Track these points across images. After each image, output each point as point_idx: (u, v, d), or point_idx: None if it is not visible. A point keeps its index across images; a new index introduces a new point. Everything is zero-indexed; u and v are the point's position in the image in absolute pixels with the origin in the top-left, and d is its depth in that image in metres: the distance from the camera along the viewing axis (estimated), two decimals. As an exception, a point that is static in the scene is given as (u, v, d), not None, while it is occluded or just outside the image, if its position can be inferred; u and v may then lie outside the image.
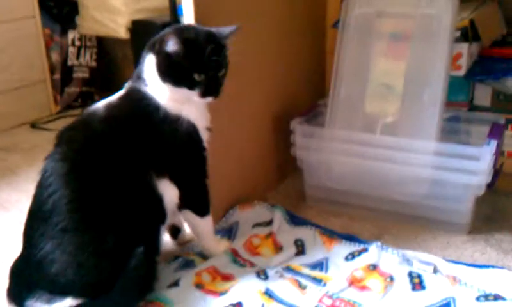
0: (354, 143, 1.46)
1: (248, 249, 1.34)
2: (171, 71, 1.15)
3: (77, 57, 2.55)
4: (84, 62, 2.57)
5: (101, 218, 1.10)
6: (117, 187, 1.12)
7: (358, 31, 1.52)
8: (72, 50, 2.53)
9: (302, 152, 1.53)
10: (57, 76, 2.52)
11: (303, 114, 1.58)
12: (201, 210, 1.28)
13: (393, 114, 1.49)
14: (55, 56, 2.50)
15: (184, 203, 1.24)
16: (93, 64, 2.60)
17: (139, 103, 1.17)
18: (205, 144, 1.25)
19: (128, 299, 1.14)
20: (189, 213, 1.27)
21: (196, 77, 1.14)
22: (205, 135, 1.24)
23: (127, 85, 1.22)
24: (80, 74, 2.58)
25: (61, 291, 1.10)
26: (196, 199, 1.27)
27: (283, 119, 1.58)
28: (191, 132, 1.20)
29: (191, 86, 1.15)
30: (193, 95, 1.16)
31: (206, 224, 1.30)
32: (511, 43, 1.65)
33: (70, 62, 2.54)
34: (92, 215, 1.10)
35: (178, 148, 1.20)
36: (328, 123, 1.53)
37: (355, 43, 1.52)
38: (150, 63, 1.18)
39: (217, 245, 1.33)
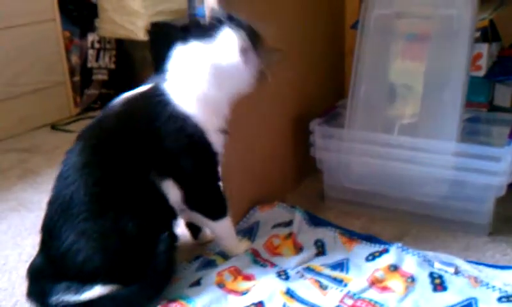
0: (374, 144, 1.46)
1: (268, 250, 1.35)
2: None
3: (97, 60, 2.58)
4: (103, 65, 2.60)
5: (119, 207, 1.12)
6: (127, 181, 1.14)
7: (377, 31, 1.52)
8: (91, 53, 2.56)
9: (321, 153, 1.54)
10: (76, 78, 2.55)
11: (322, 115, 1.58)
12: (212, 213, 1.28)
13: (412, 115, 1.50)
14: (75, 59, 2.54)
15: (192, 206, 1.24)
16: (112, 66, 2.63)
17: (153, 99, 1.18)
18: (217, 148, 1.23)
19: (158, 283, 1.16)
20: (199, 216, 1.28)
21: None
22: (218, 138, 1.22)
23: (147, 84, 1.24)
24: (100, 76, 2.61)
25: (90, 280, 1.12)
26: (204, 203, 1.27)
27: (303, 120, 1.59)
28: (197, 134, 1.18)
29: None
30: None
31: (221, 226, 1.29)
32: None
33: (89, 65, 2.57)
34: (110, 204, 1.12)
35: (181, 150, 1.18)
36: (347, 124, 1.53)
37: (374, 44, 1.52)
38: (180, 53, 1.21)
39: (237, 245, 1.34)
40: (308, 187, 1.69)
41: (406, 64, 1.52)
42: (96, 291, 1.12)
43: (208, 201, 1.27)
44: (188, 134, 1.18)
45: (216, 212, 1.28)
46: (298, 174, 1.72)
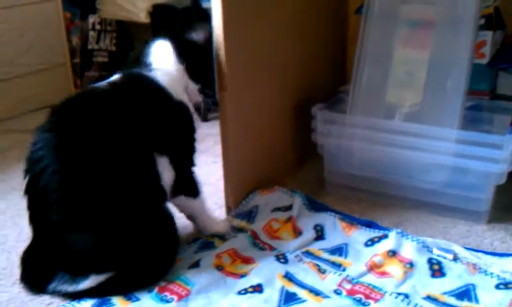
0: (376, 130, 1.46)
1: (267, 233, 1.35)
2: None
3: (97, 42, 2.56)
4: (104, 47, 2.58)
5: (102, 193, 1.10)
6: (121, 161, 1.12)
7: (381, 17, 1.51)
8: (92, 34, 2.54)
9: (323, 138, 1.53)
10: (77, 60, 2.54)
11: (324, 100, 1.57)
12: (193, 191, 1.32)
13: (415, 102, 1.49)
14: (75, 40, 2.52)
15: (177, 189, 1.27)
16: (113, 48, 2.61)
17: (146, 86, 1.22)
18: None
19: (164, 263, 1.19)
20: (182, 199, 1.30)
21: None
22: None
23: (125, 71, 1.26)
24: (100, 58, 2.59)
25: (83, 270, 1.12)
26: (188, 182, 1.31)
27: (304, 105, 1.58)
28: (191, 119, 1.28)
29: None
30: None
31: (200, 203, 1.34)
32: None
33: (90, 47, 2.55)
34: (92, 190, 1.09)
35: (179, 130, 1.27)
36: (349, 110, 1.53)
37: (378, 29, 1.51)
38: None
39: (216, 222, 1.37)
40: (308, 172, 1.69)
41: (409, 51, 1.51)
42: (92, 281, 1.12)
43: (190, 180, 1.31)
44: (185, 116, 1.27)
45: (196, 189, 1.32)
46: (299, 159, 1.71)
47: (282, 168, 1.64)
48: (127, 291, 1.14)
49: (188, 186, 1.31)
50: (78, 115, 1.13)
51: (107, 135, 1.12)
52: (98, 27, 2.55)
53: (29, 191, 1.11)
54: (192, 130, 1.29)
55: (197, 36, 1.34)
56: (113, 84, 1.22)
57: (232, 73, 1.33)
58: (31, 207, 1.12)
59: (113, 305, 1.11)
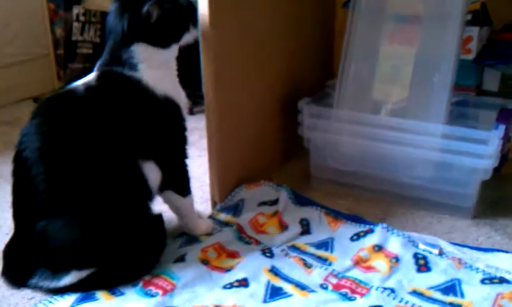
0: (362, 124, 1.45)
1: (253, 227, 1.34)
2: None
3: (82, 33, 2.53)
4: (88, 38, 2.55)
5: (87, 187, 1.10)
6: (106, 164, 1.12)
7: (369, 11, 1.51)
8: (76, 26, 2.50)
9: (309, 132, 1.53)
10: (60, 51, 2.50)
11: (310, 95, 1.57)
12: (183, 189, 1.29)
13: (401, 97, 1.49)
14: (59, 31, 2.48)
15: (166, 184, 1.25)
16: (97, 40, 2.57)
17: (126, 86, 1.16)
18: (187, 124, 1.26)
19: (151, 258, 1.19)
20: (170, 194, 1.27)
21: None
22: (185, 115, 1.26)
23: (101, 69, 1.19)
24: (84, 50, 2.55)
25: (63, 266, 1.11)
26: (178, 180, 1.28)
27: (291, 99, 1.58)
28: (177, 111, 1.23)
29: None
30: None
31: (188, 203, 1.31)
32: None
33: (74, 38, 2.51)
34: (86, 187, 1.10)
35: (165, 129, 1.22)
36: (336, 104, 1.52)
37: (365, 24, 1.51)
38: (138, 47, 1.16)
39: (200, 224, 1.33)
40: (294, 167, 1.69)
41: (396, 46, 1.51)
42: (73, 276, 1.11)
43: (181, 177, 1.28)
44: (170, 112, 1.22)
45: (187, 187, 1.29)
46: (285, 154, 1.71)
47: (268, 162, 1.63)
48: (111, 286, 1.13)
49: (178, 183, 1.28)
50: (62, 116, 1.12)
51: (90, 139, 1.11)
52: (82, 18, 2.51)
53: (15, 185, 1.13)
54: (180, 128, 1.25)
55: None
56: (92, 85, 1.16)
57: (218, 67, 1.31)
58: (15, 200, 1.13)
59: (97, 300, 1.10)
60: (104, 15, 2.50)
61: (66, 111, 1.13)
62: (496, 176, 1.41)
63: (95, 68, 1.20)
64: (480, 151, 1.31)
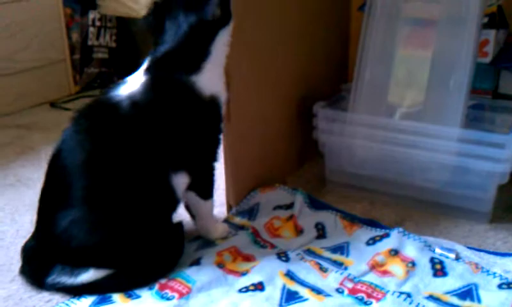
0: (377, 128, 1.45)
1: (268, 231, 1.34)
2: None
3: (97, 38, 2.55)
4: (103, 43, 2.57)
5: (116, 195, 1.11)
6: (136, 174, 1.12)
7: (384, 15, 1.50)
8: (92, 30, 2.53)
9: (324, 136, 1.53)
10: (76, 56, 2.53)
11: (326, 98, 1.57)
12: (207, 193, 1.28)
13: (417, 101, 1.48)
14: (75, 36, 2.51)
15: (191, 187, 1.24)
16: (113, 44, 2.60)
17: (179, 94, 1.15)
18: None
19: (169, 263, 1.19)
20: (192, 196, 1.26)
21: None
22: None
23: (154, 73, 1.16)
24: (100, 55, 2.58)
25: (84, 263, 1.12)
26: (203, 183, 1.27)
27: (306, 102, 1.58)
28: (219, 111, 1.21)
29: None
30: None
31: (208, 206, 1.30)
32: None
33: (90, 43, 2.54)
34: (112, 193, 1.11)
35: (206, 134, 1.21)
36: (351, 108, 1.52)
37: (381, 27, 1.51)
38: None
39: (216, 228, 1.32)
40: (309, 171, 1.68)
41: (411, 50, 1.50)
42: (91, 274, 1.12)
43: (207, 180, 1.27)
44: (215, 112, 1.20)
45: (210, 191, 1.28)
46: (300, 158, 1.71)
47: (283, 166, 1.63)
48: (127, 289, 1.14)
49: (203, 186, 1.26)
50: (103, 121, 1.13)
51: (129, 149, 1.12)
52: (98, 23, 2.54)
53: (49, 174, 1.14)
54: (219, 131, 1.23)
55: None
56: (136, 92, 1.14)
57: (234, 72, 1.31)
58: (46, 199, 1.15)
59: (113, 302, 1.10)
60: (120, 20, 2.55)
61: (110, 122, 1.13)
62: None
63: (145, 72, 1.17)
64: (497, 155, 1.30)
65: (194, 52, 1.15)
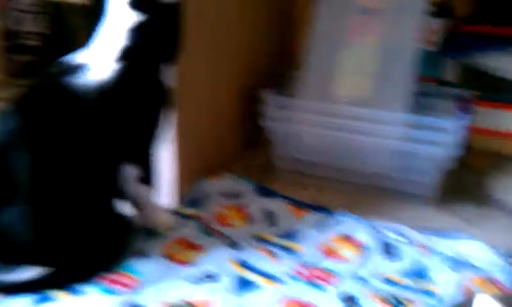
0: (324, 115, 1.45)
1: (217, 220, 1.31)
2: None
3: (29, 24, 2.42)
4: (36, 30, 2.44)
5: (59, 190, 1.05)
6: (83, 164, 1.07)
7: (332, 3, 1.50)
8: (23, 16, 2.40)
9: (271, 123, 1.51)
10: (6, 43, 2.39)
11: (273, 85, 1.54)
12: (149, 181, 1.22)
13: (364, 88, 1.49)
14: (5, 22, 2.37)
15: (136, 177, 1.18)
16: (46, 31, 2.47)
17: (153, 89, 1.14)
18: None
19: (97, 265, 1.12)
20: (137, 185, 1.20)
21: None
22: None
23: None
24: (32, 42, 2.45)
25: (23, 260, 1.05)
26: (146, 171, 1.21)
27: (253, 89, 1.55)
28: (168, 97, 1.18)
29: None
30: None
31: (150, 193, 1.24)
32: (482, 20, 1.65)
33: (21, 29, 2.41)
34: (48, 185, 1.05)
35: (153, 121, 1.17)
36: (298, 94, 1.51)
37: (329, 15, 1.50)
38: None
39: (161, 219, 1.27)
40: (257, 158, 1.66)
41: (359, 37, 1.50)
42: (31, 272, 1.06)
43: (148, 167, 1.21)
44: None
45: (151, 177, 1.23)
46: (248, 145, 1.68)
47: (231, 155, 1.60)
48: (69, 285, 1.07)
49: (145, 174, 1.20)
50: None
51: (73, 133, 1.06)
52: (30, 8, 2.41)
53: None
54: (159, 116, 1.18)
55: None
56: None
57: (182, 62, 1.27)
58: None
59: (54, 300, 1.04)
60: (54, 5, 2.42)
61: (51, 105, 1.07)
62: (459, 165, 1.43)
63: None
64: (440, 140, 1.32)
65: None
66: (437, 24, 1.53)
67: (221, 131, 1.54)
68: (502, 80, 1.60)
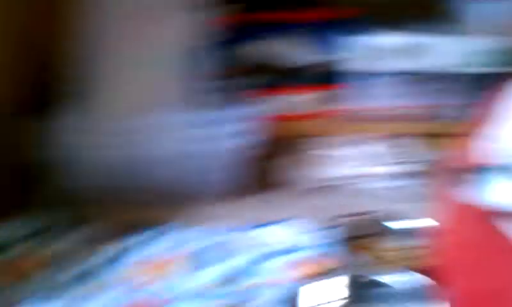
0: (95, 133, 1.34)
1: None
2: None
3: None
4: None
5: None
6: None
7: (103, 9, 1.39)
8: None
9: (45, 155, 1.33)
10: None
11: (37, 109, 1.36)
12: None
13: (132, 97, 1.40)
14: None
15: None
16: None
17: None
18: None
19: None
20: None
21: None
22: None
23: None
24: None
25: None
26: None
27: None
28: None
29: None
30: None
31: None
32: (262, 6, 1.60)
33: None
34: None
35: None
36: (66, 117, 1.35)
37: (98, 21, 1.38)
38: None
39: None
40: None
41: (125, 45, 1.40)
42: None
43: None
44: None
45: None
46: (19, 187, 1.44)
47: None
48: None
49: None
50: None
51: None
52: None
53: None
54: None
55: None
56: None
57: None
58: None
59: None
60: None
61: None
62: (256, 156, 1.42)
63: None
64: (231, 133, 1.33)
65: None
66: (214, 15, 1.49)
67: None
68: (287, 65, 1.60)
